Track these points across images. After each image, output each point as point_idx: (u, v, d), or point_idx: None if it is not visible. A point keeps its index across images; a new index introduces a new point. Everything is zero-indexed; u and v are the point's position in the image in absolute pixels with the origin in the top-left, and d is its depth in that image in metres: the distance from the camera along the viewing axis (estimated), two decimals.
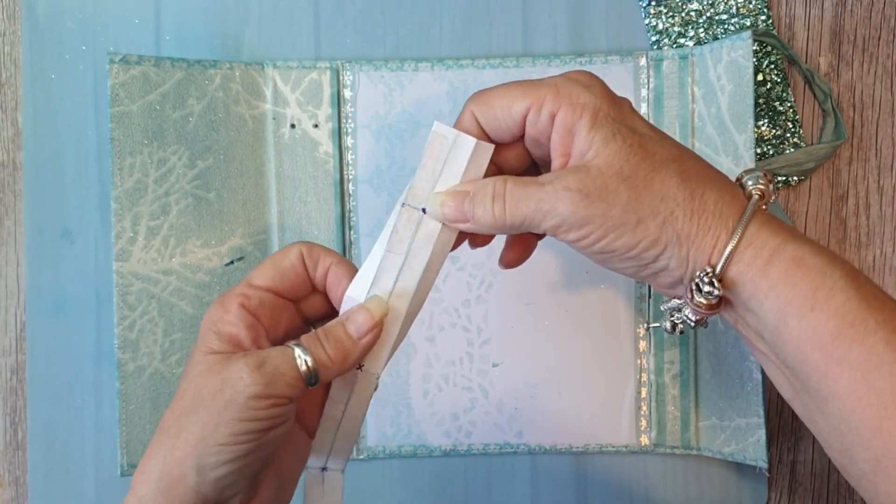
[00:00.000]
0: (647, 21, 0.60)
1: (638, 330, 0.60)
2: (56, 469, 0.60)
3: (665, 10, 0.60)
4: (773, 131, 0.60)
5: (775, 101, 0.60)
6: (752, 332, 0.41)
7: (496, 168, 0.44)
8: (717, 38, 0.60)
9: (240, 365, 0.38)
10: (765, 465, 0.55)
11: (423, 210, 0.43)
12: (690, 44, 0.60)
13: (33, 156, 0.60)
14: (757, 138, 0.60)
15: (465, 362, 0.60)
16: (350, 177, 0.60)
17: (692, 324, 0.41)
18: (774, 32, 0.60)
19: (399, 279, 0.43)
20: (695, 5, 0.60)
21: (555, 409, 0.60)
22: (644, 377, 0.60)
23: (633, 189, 0.39)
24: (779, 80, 0.60)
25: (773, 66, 0.60)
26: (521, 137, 0.42)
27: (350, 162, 0.60)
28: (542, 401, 0.60)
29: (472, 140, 0.42)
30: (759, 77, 0.60)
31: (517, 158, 0.44)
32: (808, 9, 0.61)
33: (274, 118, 0.59)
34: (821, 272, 0.38)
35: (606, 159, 0.39)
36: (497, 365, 0.60)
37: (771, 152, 0.60)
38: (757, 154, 0.59)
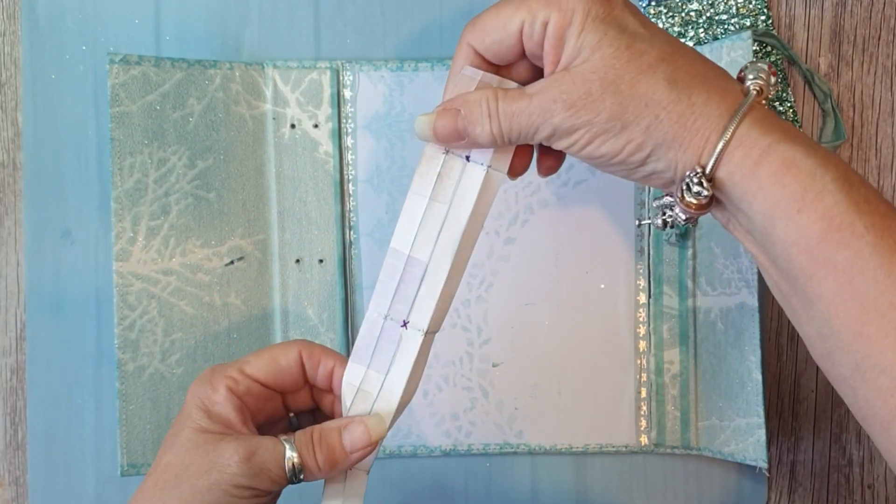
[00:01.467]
0: None
1: (638, 329, 0.60)
2: (56, 469, 0.60)
3: (665, 11, 0.60)
4: None
5: (775, 102, 0.60)
6: (743, 232, 0.41)
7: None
8: (717, 39, 0.60)
9: (230, 451, 0.40)
10: (765, 465, 0.55)
11: (468, 158, 0.43)
12: (690, 44, 0.60)
13: (33, 156, 0.60)
14: None
15: (465, 362, 0.60)
16: (350, 177, 0.60)
17: (682, 221, 0.41)
18: (774, 32, 0.60)
19: (444, 229, 0.43)
20: (695, 5, 0.60)
21: (555, 409, 0.60)
22: (644, 377, 0.60)
23: (616, 94, 0.39)
24: (779, 80, 0.60)
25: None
26: (524, 54, 0.42)
27: (350, 162, 0.60)
28: (542, 401, 0.60)
29: (495, 78, 0.42)
30: None
31: (528, 73, 0.44)
32: (808, 9, 0.61)
33: (274, 118, 0.59)
34: (811, 174, 0.37)
35: (592, 64, 0.39)
36: (497, 365, 0.60)
37: None
38: None
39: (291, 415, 0.46)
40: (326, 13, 0.60)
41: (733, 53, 0.56)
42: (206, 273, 0.58)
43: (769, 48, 0.60)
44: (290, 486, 0.42)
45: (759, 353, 0.54)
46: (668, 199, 0.42)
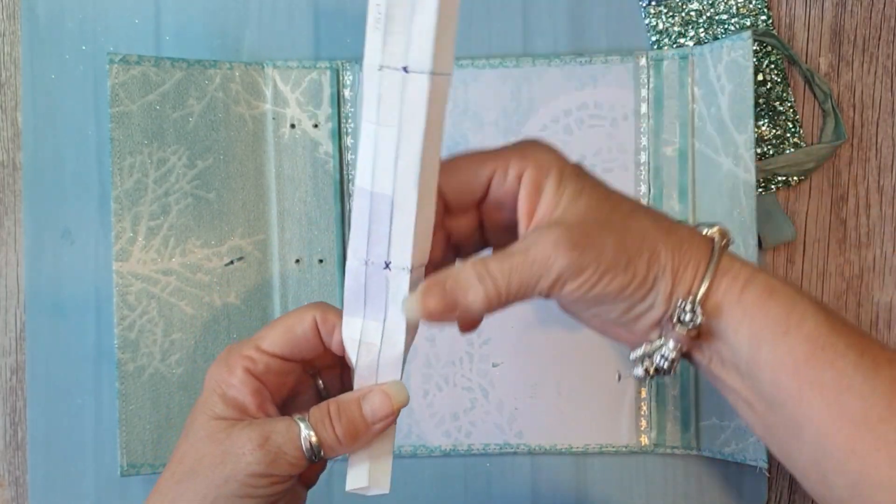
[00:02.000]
0: (647, 21, 0.60)
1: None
2: (56, 469, 0.60)
3: (665, 10, 0.60)
4: (773, 131, 0.60)
5: (775, 101, 0.60)
6: (725, 369, 0.41)
7: (445, 234, 0.43)
8: (717, 38, 0.60)
9: (243, 439, 0.38)
10: (765, 465, 0.55)
11: (405, 69, 0.38)
12: (690, 44, 0.60)
13: (33, 156, 0.60)
14: (757, 138, 0.60)
15: (465, 362, 0.60)
16: (350, 177, 0.60)
17: (667, 363, 0.41)
18: (774, 32, 0.60)
19: (399, 155, 0.39)
20: (695, 5, 0.60)
21: (555, 409, 0.60)
22: None
23: (615, 233, 0.40)
24: (779, 80, 0.60)
25: (773, 66, 0.60)
26: (479, 204, 0.42)
27: (350, 162, 0.60)
28: (542, 401, 0.60)
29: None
30: (759, 77, 0.60)
31: (468, 226, 0.43)
32: (808, 9, 0.61)
33: (274, 118, 0.59)
34: (791, 299, 0.39)
35: (579, 211, 0.40)
36: (497, 365, 0.60)
37: (771, 152, 0.60)
38: (757, 154, 0.59)
39: (320, 382, 0.44)
40: (326, 13, 0.60)
41: (733, 53, 0.56)
42: (206, 273, 0.58)
43: (769, 48, 0.60)
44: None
45: None
46: (643, 348, 0.42)
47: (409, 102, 0.38)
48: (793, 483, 0.61)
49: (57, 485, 0.60)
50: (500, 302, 0.39)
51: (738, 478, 0.60)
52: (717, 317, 0.40)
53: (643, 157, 0.59)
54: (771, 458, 0.58)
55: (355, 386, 0.42)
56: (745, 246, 0.56)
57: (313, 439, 0.39)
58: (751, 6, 0.60)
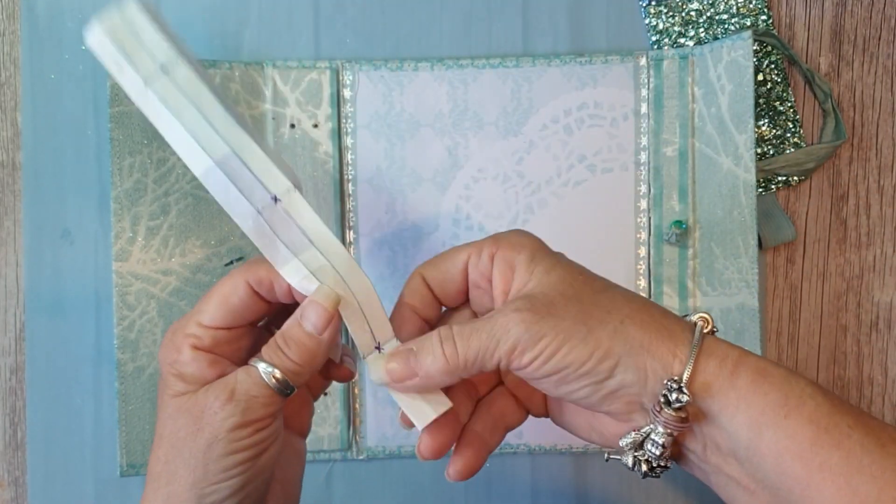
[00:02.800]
0: (647, 21, 0.60)
1: None
2: (55, 469, 0.60)
3: (665, 10, 0.60)
4: (774, 131, 0.60)
5: (775, 101, 0.60)
6: (722, 456, 0.40)
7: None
8: (718, 38, 0.60)
9: (210, 399, 0.38)
10: None
11: (162, 67, 0.40)
12: (690, 44, 0.60)
13: (33, 156, 0.60)
14: (757, 138, 0.59)
15: None
16: (350, 177, 0.60)
17: (656, 454, 0.39)
18: (775, 32, 0.60)
19: (209, 118, 0.41)
20: (695, 5, 0.60)
21: None
22: None
23: (580, 304, 0.39)
24: (779, 79, 0.60)
25: (773, 66, 0.60)
26: (467, 297, 0.43)
27: (350, 162, 0.60)
28: None
29: (129, 2, 0.40)
30: (760, 77, 0.60)
31: (467, 318, 0.44)
32: (808, 9, 0.60)
33: (273, 118, 0.59)
34: (786, 381, 0.38)
35: (549, 285, 0.40)
36: None
37: (771, 152, 0.60)
38: (757, 154, 0.59)
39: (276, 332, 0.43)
40: (326, 13, 0.60)
41: (733, 53, 0.56)
42: (206, 273, 0.58)
43: (769, 48, 0.60)
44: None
45: (759, 353, 0.54)
46: (632, 436, 0.40)
47: (183, 85, 0.40)
48: None
49: (56, 485, 0.60)
50: (457, 365, 0.39)
51: None
52: (709, 399, 0.38)
53: (643, 157, 0.59)
54: None
55: (347, 316, 0.41)
56: (745, 246, 0.56)
57: (277, 374, 0.39)
58: (751, 6, 0.60)
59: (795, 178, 0.60)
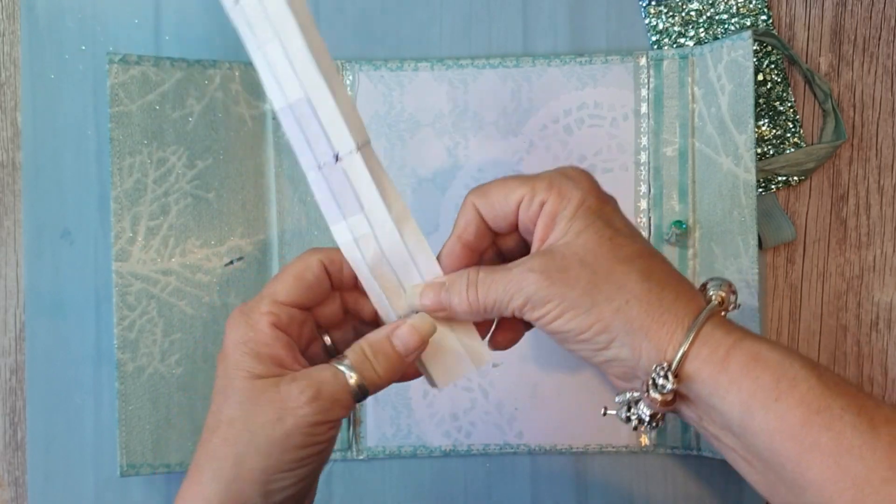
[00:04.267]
0: (647, 21, 0.60)
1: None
2: (55, 469, 0.60)
3: (665, 10, 0.60)
4: (774, 131, 0.60)
5: (775, 101, 0.60)
6: (718, 429, 0.41)
7: (496, 251, 0.46)
8: (718, 38, 0.60)
9: (295, 393, 0.39)
10: None
11: None
12: (690, 44, 0.60)
13: (33, 156, 0.60)
14: (757, 138, 0.59)
15: None
16: None
17: (647, 418, 0.42)
18: (775, 32, 0.60)
19: (291, 60, 0.42)
20: (695, 5, 0.60)
21: (555, 409, 0.60)
22: None
23: (593, 275, 0.41)
24: (779, 79, 0.60)
25: (773, 66, 0.60)
26: (517, 226, 0.44)
27: None
28: (542, 401, 0.60)
29: None
30: (760, 77, 0.60)
31: (515, 245, 0.46)
32: (808, 9, 0.60)
33: (274, 118, 0.59)
34: (780, 364, 0.39)
35: (573, 247, 0.41)
36: (497, 365, 0.60)
37: (771, 152, 0.60)
38: (757, 154, 0.59)
39: (326, 339, 0.45)
40: (326, 13, 0.60)
41: (733, 53, 0.56)
42: (206, 273, 0.58)
43: (769, 48, 0.60)
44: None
45: None
46: (631, 395, 0.42)
47: (272, 13, 0.41)
48: None
49: (56, 485, 0.60)
50: (478, 309, 0.43)
51: (738, 478, 0.60)
52: (698, 384, 0.40)
53: (643, 157, 0.59)
54: None
55: (376, 287, 0.44)
56: (745, 246, 0.56)
57: (361, 382, 0.41)
58: (751, 6, 0.60)
59: (795, 178, 0.60)
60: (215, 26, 0.60)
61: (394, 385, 0.59)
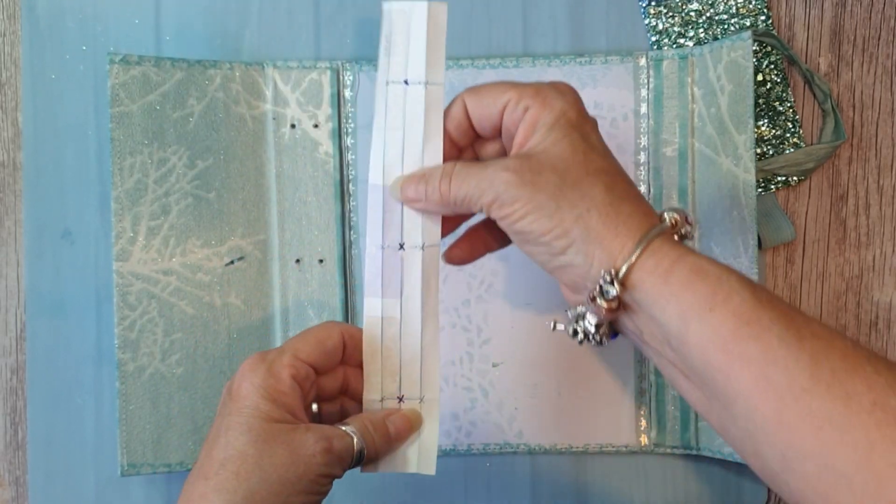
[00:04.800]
0: (647, 21, 0.60)
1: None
2: (56, 469, 0.60)
3: (665, 11, 0.60)
4: (773, 131, 0.60)
5: (775, 102, 0.60)
6: (658, 342, 0.43)
7: (474, 155, 0.48)
8: (717, 39, 0.60)
9: (311, 443, 0.43)
10: None
11: (406, 82, 0.47)
12: (690, 44, 0.60)
13: (33, 156, 0.60)
14: (757, 138, 0.60)
15: (465, 362, 0.60)
16: (350, 177, 0.60)
17: (592, 329, 0.43)
18: (774, 32, 0.60)
19: (405, 152, 0.47)
20: (695, 5, 0.60)
21: (555, 409, 0.60)
22: (644, 377, 0.60)
23: (561, 182, 0.42)
24: (779, 80, 0.60)
25: (772, 67, 0.60)
26: (500, 132, 0.46)
27: (350, 162, 0.60)
28: (542, 401, 0.60)
29: (424, 4, 0.47)
30: (759, 77, 0.60)
31: (495, 155, 0.48)
32: (807, 9, 0.61)
33: (274, 118, 0.59)
34: (718, 278, 0.40)
35: (549, 153, 0.43)
36: (497, 365, 0.60)
37: (771, 152, 0.60)
38: (757, 154, 0.59)
39: (314, 405, 0.48)
40: (326, 13, 0.60)
41: (733, 54, 0.56)
42: (207, 273, 0.58)
43: (769, 48, 0.60)
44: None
45: None
46: (580, 309, 0.44)
47: (410, 108, 0.47)
48: None
49: (57, 485, 0.60)
50: (448, 201, 0.45)
51: (737, 478, 0.60)
52: (642, 293, 0.41)
53: (643, 157, 0.59)
54: None
55: (377, 366, 0.48)
56: (744, 246, 0.56)
57: (363, 449, 0.45)
58: (751, 6, 0.60)
59: (795, 178, 0.60)
60: (215, 26, 0.60)
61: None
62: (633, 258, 0.41)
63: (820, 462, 0.37)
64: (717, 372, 0.40)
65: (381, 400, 0.48)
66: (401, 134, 0.47)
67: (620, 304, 0.42)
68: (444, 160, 0.47)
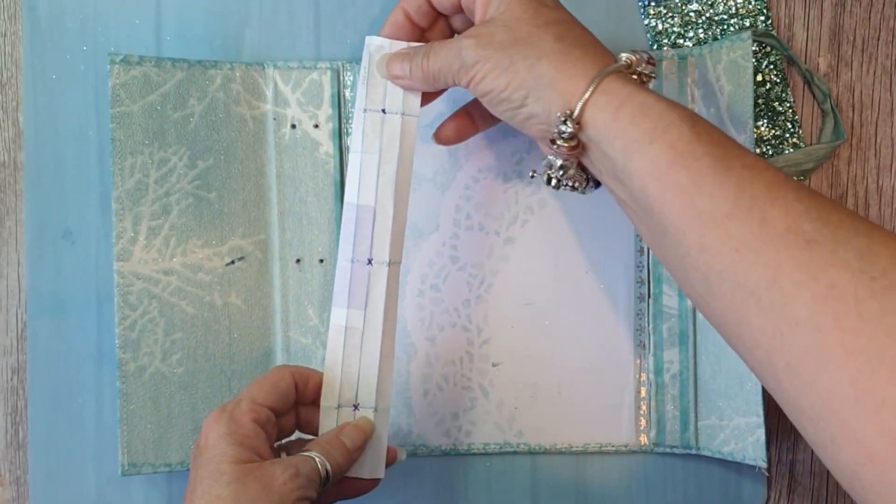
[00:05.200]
0: (646, 22, 0.60)
1: (637, 329, 0.60)
2: (57, 469, 0.60)
3: (664, 11, 0.60)
4: (773, 132, 0.60)
5: (774, 102, 0.60)
6: (610, 178, 0.45)
7: (450, 33, 0.54)
8: (717, 39, 0.60)
9: (279, 472, 0.45)
10: (764, 465, 0.55)
11: (384, 111, 0.52)
12: (690, 44, 0.60)
13: (34, 156, 0.60)
14: (756, 139, 0.60)
15: (465, 362, 0.60)
16: None
17: (558, 168, 0.46)
18: (774, 33, 0.60)
19: (380, 174, 0.51)
20: (694, 6, 0.60)
21: (555, 409, 0.60)
22: (644, 377, 0.60)
23: (513, 39, 0.46)
24: (778, 80, 0.60)
25: (772, 67, 0.60)
26: (461, 8, 0.50)
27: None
28: (542, 401, 0.60)
29: (404, 44, 0.52)
30: (759, 77, 0.60)
31: (467, 25, 0.52)
32: (807, 9, 0.61)
33: (274, 118, 0.59)
34: (661, 114, 0.43)
35: (503, 17, 0.47)
36: (497, 365, 0.60)
37: (770, 152, 0.60)
38: (756, 154, 0.59)
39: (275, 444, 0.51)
40: (327, 13, 0.61)
41: (733, 54, 0.56)
42: (207, 273, 0.58)
43: (768, 48, 0.60)
44: None
45: None
46: (549, 159, 0.47)
47: (386, 135, 0.51)
48: (792, 482, 0.61)
49: (58, 484, 0.60)
50: (428, 76, 0.50)
51: (737, 477, 0.60)
52: (595, 130, 0.44)
53: None
54: (770, 457, 0.58)
55: (337, 373, 0.52)
56: None
57: (328, 466, 0.47)
58: (750, 6, 0.60)
59: (794, 178, 0.60)
60: (216, 26, 0.60)
61: (394, 384, 0.60)
62: (586, 96, 0.44)
63: (735, 282, 0.39)
64: (653, 200, 0.42)
65: (338, 407, 0.51)
66: (377, 157, 0.51)
67: (580, 144, 0.45)
68: (406, 37, 0.52)
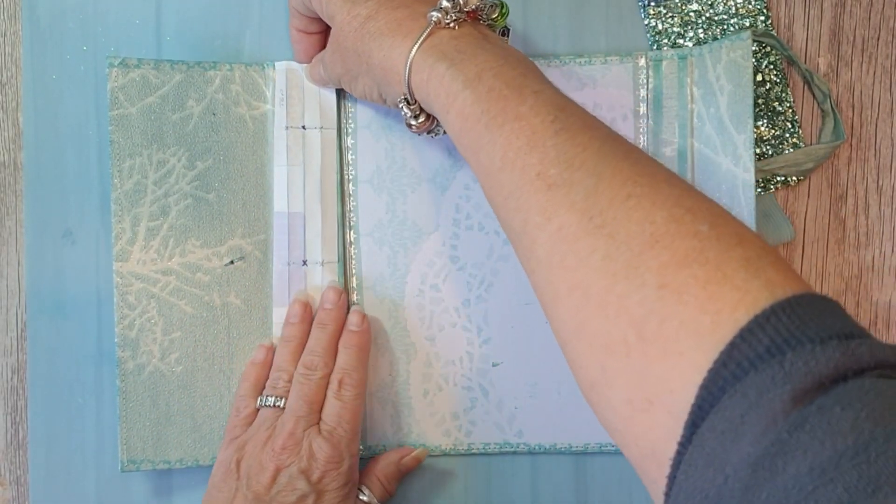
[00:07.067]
0: (646, 22, 0.60)
1: None
2: (57, 468, 0.60)
3: (664, 11, 0.60)
4: (773, 131, 0.60)
5: (774, 102, 0.60)
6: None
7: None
8: (717, 39, 0.60)
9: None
10: None
11: (304, 127, 0.58)
12: (690, 44, 0.60)
13: (34, 156, 0.60)
14: (756, 138, 0.60)
15: (465, 362, 0.60)
16: (350, 177, 0.60)
17: (416, 125, 0.51)
18: (774, 33, 0.60)
19: (306, 183, 0.57)
20: (694, 6, 0.60)
21: (555, 409, 0.60)
22: None
23: (344, 54, 0.52)
24: (778, 80, 0.60)
25: (772, 67, 0.60)
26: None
27: (350, 162, 0.60)
28: (542, 400, 0.60)
29: (306, 64, 0.58)
30: (759, 77, 0.60)
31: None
32: (807, 9, 0.61)
33: (275, 119, 0.59)
34: (451, 81, 0.46)
35: (334, 30, 0.53)
36: (497, 365, 0.60)
37: (770, 152, 0.60)
38: (756, 154, 0.59)
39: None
40: None
41: (733, 54, 0.56)
42: (206, 273, 0.58)
43: (768, 48, 0.60)
44: None
45: None
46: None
47: (308, 149, 0.58)
48: None
49: (58, 484, 0.60)
50: (328, 83, 0.58)
51: None
52: (425, 105, 0.48)
53: None
54: None
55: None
56: None
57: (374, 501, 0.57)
58: (750, 6, 0.60)
59: (794, 178, 0.60)
60: (216, 27, 0.60)
61: (394, 384, 0.60)
62: (406, 82, 0.48)
63: (506, 226, 0.45)
64: (466, 162, 0.47)
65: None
66: (301, 169, 0.57)
67: (428, 116, 0.50)
68: (309, 45, 0.58)
